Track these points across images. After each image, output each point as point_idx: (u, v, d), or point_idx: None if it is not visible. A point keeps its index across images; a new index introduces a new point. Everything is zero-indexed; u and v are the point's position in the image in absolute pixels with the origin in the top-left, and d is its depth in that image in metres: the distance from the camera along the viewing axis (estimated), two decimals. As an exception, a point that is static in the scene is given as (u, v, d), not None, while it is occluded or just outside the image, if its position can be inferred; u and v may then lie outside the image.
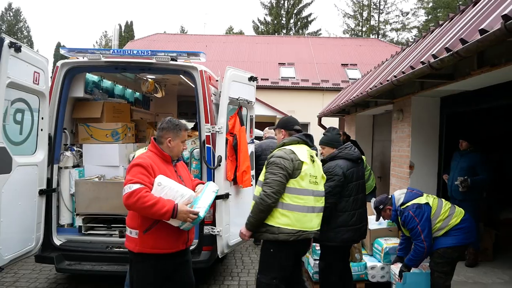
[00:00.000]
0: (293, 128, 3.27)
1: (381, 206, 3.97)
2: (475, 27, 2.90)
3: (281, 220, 2.93)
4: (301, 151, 3.06)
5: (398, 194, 3.90)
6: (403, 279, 3.78)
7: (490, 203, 5.90)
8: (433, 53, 3.50)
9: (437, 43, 3.89)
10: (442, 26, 4.75)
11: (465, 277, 4.75)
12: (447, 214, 3.64)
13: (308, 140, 3.18)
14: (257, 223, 3.01)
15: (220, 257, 4.16)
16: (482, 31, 2.66)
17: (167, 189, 2.63)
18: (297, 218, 2.94)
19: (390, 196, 4.01)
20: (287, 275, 3.07)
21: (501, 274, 4.87)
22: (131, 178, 2.60)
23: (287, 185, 2.94)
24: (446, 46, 3.25)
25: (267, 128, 6.82)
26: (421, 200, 3.72)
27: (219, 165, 3.99)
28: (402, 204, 3.77)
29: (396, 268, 4.05)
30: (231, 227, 4.19)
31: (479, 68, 3.69)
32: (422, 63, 3.68)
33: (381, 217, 4.09)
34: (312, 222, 3.03)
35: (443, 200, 3.87)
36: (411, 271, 3.83)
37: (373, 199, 4.23)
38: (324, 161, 3.62)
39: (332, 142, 3.71)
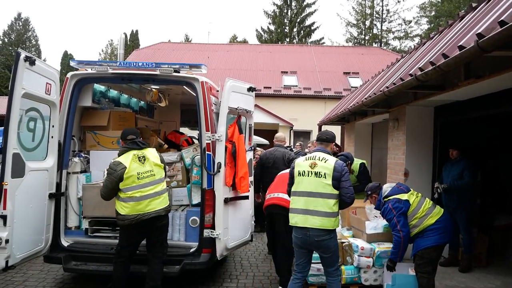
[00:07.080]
0: (126, 138, 3.90)
1: (369, 192, 4.28)
2: (456, 43, 3.09)
3: (124, 210, 3.76)
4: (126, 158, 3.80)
5: (386, 187, 4.17)
6: (392, 281, 3.95)
7: (484, 209, 6.03)
8: (420, 66, 3.70)
9: (425, 56, 4.08)
10: (433, 39, 4.94)
11: (458, 282, 4.82)
12: (424, 214, 3.86)
13: (134, 146, 3.87)
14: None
15: (219, 259, 4.34)
16: (460, 47, 2.86)
17: None
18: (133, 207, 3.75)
19: (380, 186, 4.29)
20: (129, 247, 3.89)
21: (493, 279, 4.91)
22: None
23: (120, 186, 3.74)
24: (431, 60, 3.45)
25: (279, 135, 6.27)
26: (403, 196, 3.95)
27: (219, 171, 4.20)
28: (386, 196, 4.03)
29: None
30: (230, 230, 4.38)
31: (466, 79, 3.89)
32: (410, 75, 3.88)
33: (375, 217, 4.37)
34: (149, 206, 3.77)
35: (427, 199, 4.06)
36: (396, 265, 4.00)
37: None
38: None
39: None
